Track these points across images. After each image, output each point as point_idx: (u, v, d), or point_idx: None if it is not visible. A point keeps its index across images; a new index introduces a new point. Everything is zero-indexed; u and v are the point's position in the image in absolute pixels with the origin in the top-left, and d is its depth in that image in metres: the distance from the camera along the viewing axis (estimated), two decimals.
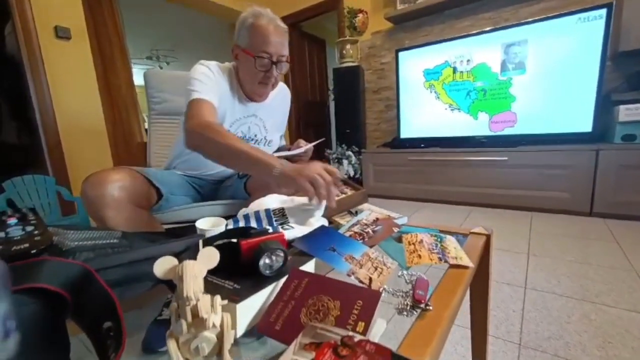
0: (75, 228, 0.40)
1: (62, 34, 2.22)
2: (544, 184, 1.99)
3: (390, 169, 2.64)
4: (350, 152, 2.77)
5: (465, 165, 2.26)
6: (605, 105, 1.93)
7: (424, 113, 2.56)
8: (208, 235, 0.60)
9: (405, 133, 2.69)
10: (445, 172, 2.36)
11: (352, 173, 2.74)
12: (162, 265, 0.30)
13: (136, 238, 0.45)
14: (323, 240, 0.54)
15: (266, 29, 0.91)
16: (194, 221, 1.07)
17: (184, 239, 0.47)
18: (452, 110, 2.42)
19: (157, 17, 4.01)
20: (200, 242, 0.43)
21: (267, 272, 0.42)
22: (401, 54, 2.58)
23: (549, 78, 2.02)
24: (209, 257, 0.33)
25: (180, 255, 0.44)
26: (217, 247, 0.50)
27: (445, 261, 0.51)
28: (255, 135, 1.11)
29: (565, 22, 1.93)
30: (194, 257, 0.45)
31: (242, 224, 0.72)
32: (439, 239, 0.61)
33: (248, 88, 1.02)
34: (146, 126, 1.67)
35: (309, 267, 0.47)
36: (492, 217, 2.01)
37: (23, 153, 2.74)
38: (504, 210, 2.13)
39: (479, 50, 2.23)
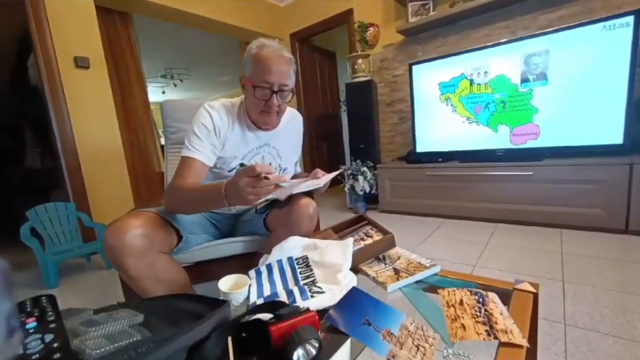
0: (95, 322, 0.37)
1: (81, 63, 2.28)
2: (573, 200, 1.89)
3: (408, 184, 2.58)
4: (365, 168, 2.72)
5: (488, 180, 2.18)
6: (637, 115, 1.82)
7: (440, 126, 2.50)
8: (232, 299, 0.57)
9: (421, 147, 2.62)
10: (466, 188, 2.28)
11: (367, 189, 2.69)
12: None
13: (160, 321, 0.42)
14: (356, 310, 0.50)
15: (268, 59, 0.90)
16: (214, 260, 1.05)
17: (209, 318, 0.44)
18: (470, 123, 2.35)
19: (171, 38, 4.11)
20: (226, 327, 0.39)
21: None
22: (415, 67, 2.54)
23: (573, 88, 1.93)
24: None
25: (206, 343, 0.41)
26: (245, 324, 0.47)
27: (495, 337, 0.45)
28: (270, 164, 1.09)
29: (589, 30, 1.84)
30: (223, 339, 0.42)
31: (264, 275, 0.68)
32: (480, 299, 0.56)
33: (253, 117, 1.01)
34: (162, 141, 1.70)
35: (344, 351, 0.43)
36: (519, 235, 1.91)
37: (46, 178, 2.82)
38: (530, 227, 2.03)
39: (497, 62, 2.16)
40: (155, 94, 6.94)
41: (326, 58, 4.31)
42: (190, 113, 1.56)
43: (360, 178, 2.68)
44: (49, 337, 0.32)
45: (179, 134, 1.52)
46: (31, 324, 0.34)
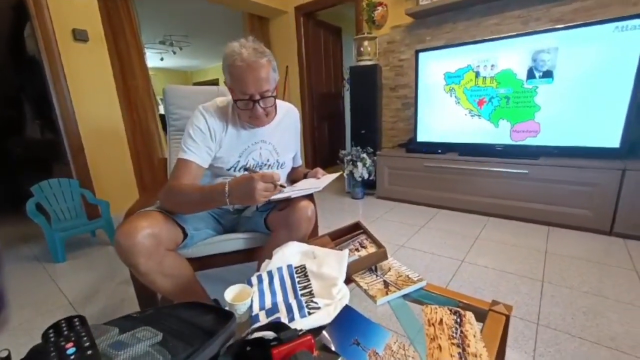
0: (122, 343, 0.44)
1: (79, 36, 2.22)
2: (564, 200, 1.95)
3: (406, 173, 2.62)
4: (364, 155, 2.74)
5: (484, 176, 2.23)
6: (638, 118, 1.83)
7: (442, 117, 2.50)
8: (238, 310, 0.64)
9: (422, 136, 2.64)
10: (462, 181, 2.33)
11: (366, 176, 2.73)
12: None
13: (176, 341, 0.48)
14: (347, 330, 0.56)
15: (242, 71, 0.90)
16: (217, 255, 1.12)
17: (219, 336, 0.50)
18: (472, 116, 2.35)
19: (170, 7, 3.94)
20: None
21: None
22: (421, 55, 2.49)
23: (578, 89, 1.93)
24: None
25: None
26: (249, 341, 0.53)
27: None
28: (268, 160, 1.13)
29: (601, 30, 1.80)
30: (235, 358, 0.49)
31: (266, 283, 0.75)
32: (458, 319, 0.63)
33: (244, 120, 1.04)
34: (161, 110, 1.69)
35: None
36: (509, 231, 2.00)
37: (47, 149, 2.84)
38: (520, 223, 2.11)
39: (505, 55, 2.13)
40: (153, 60, 6.75)
41: (331, 33, 4.17)
42: (194, 100, 1.58)
43: (360, 164, 2.72)
44: None
45: (182, 121, 1.54)
46: (70, 349, 0.39)
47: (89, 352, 0.39)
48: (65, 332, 0.43)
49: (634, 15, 1.71)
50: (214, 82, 8.29)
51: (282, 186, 0.83)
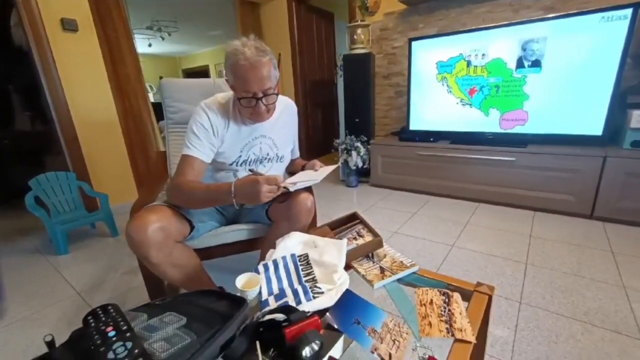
0: (153, 327, 0.49)
1: (68, 26, 2.19)
2: (549, 186, 2.05)
3: (399, 161, 2.69)
4: (358, 144, 2.79)
5: (474, 163, 2.30)
6: (620, 106, 1.91)
7: (434, 105, 2.55)
8: (248, 296, 0.70)
9: (414, 125, 2.69)
10: (453, 168, 2.41)
11: (360, 164, 2.79)
12: None
13: (198, 323, 0.54)
14: (348, 311, 0.63)
15: (246, 70, 0.92)
16: (221, 245, 1.17)
17: (235, 318, 0.56)
18: (463, 104, 2.41)
19: None
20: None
21: (308, 356, 0.52)
22: (414, 44, 2.51)
23: (565, 78, 1.99)
24: None
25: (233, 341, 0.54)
26: (262, 323, 0.60)
27: (452, 334, 0.60)
28: (268, 154, 1.17)
29: (587, 20, 1.85)
30: (247, 338, 0.55)
31: (272, 271, 0.81)
32: (446, 299, 0.70)
33: (245, 117, 1.07)
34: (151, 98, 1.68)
35: (339, 346, 0.57)
36: (496, 216, 2.10)
37: (39, 142, 2.82)
38: (508, 209, 2.21)
39: (495, 45, 2.17)
40: (141, 46, 6.57)
41: (323, 19, 4.13)
42: (190, 93, 1.60)
43: (354, 153, 2.77)
44: (129, 345, 0.43)
45: (179, 114, 1.56)
46: (111, 332, 0.45)
47: (128, 334, 0.45)
48: (103, 318, 0.48)
49: (618, 6, 1.76)
50: (204, 69, 8.13)
51: (284, 188, 0.89)
